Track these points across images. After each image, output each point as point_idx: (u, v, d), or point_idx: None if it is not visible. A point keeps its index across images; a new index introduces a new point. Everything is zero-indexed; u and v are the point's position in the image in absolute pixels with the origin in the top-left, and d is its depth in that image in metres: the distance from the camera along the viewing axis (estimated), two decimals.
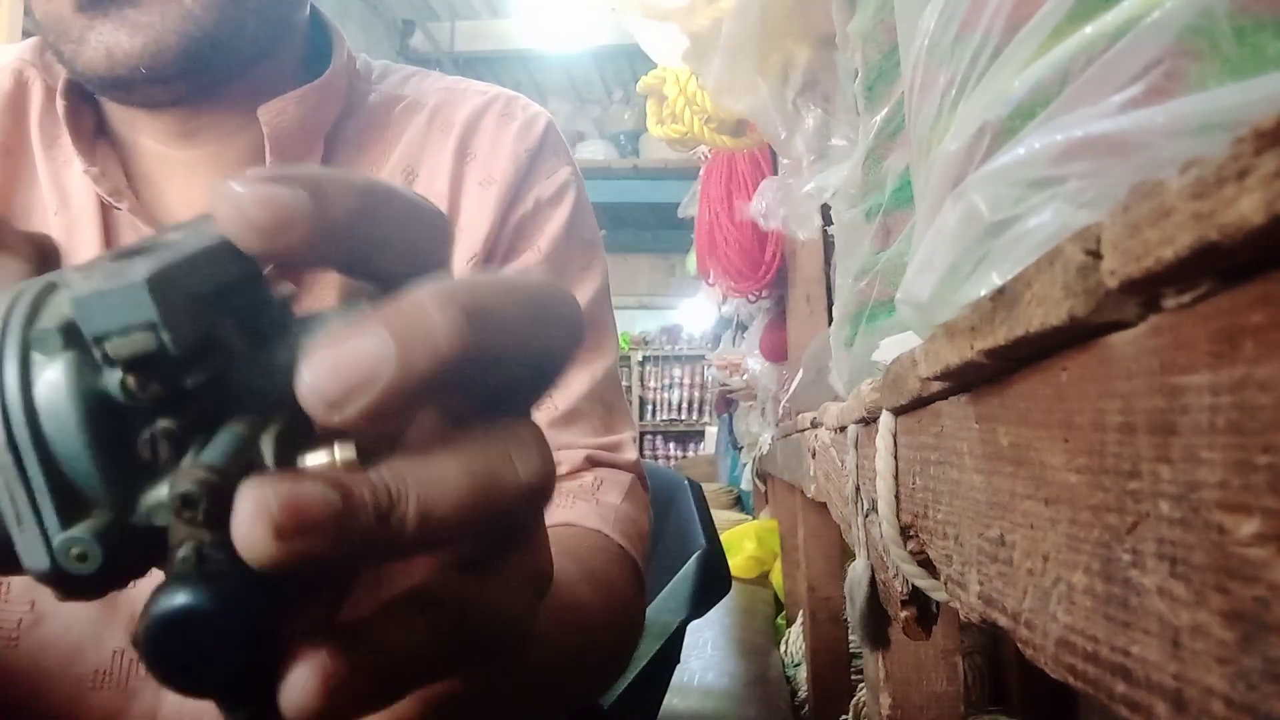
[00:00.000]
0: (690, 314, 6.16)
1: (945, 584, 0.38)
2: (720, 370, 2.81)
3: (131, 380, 0.21)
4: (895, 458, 0.46)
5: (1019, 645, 0.28)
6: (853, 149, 0.87)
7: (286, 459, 0.23)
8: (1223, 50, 0.26)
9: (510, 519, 0.24)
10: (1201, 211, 0.15)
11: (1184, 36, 0.27)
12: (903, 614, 0.48)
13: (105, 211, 0.58)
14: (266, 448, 0.22)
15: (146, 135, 0.60)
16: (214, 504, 0.20)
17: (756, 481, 2.74)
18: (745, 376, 2.45)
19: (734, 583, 1.36)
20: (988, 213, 0.32)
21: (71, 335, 0.22)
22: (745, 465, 2.81)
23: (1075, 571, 0.23)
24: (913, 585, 0.45)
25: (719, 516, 1.81)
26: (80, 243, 0.57)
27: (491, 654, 0.25)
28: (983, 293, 0.28)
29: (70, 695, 0.54)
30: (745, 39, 1.01)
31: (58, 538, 0.22)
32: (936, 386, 0.34)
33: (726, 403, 3.71)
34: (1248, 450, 0.16)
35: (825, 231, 1.65)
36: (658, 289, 6.68)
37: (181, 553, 0.20)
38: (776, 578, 2.37)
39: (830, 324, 0.84)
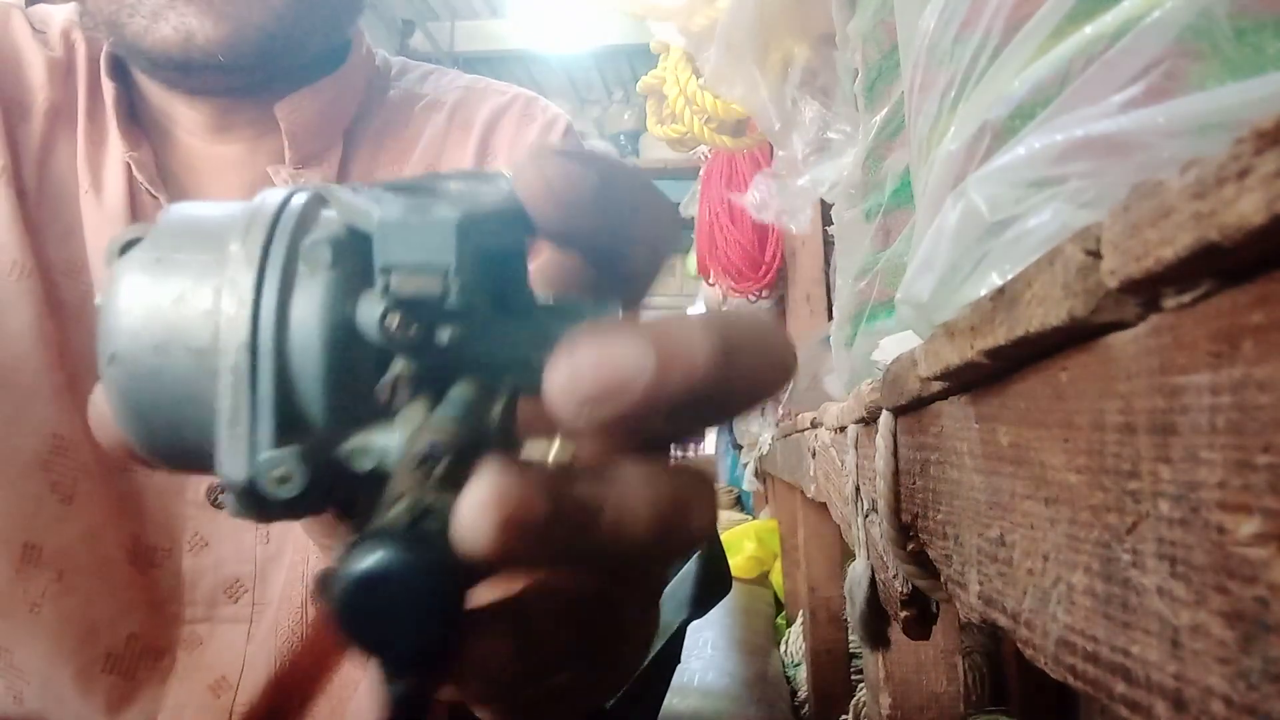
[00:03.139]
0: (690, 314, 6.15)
1: (945, 584, 0.38)
2: None
3: (394, 319, 0.21)
4: (895, 458, 0.46)
5: (1019, 645, 0.28)
6: (849, 142, 0.87)
7: (508, 437, 0.22)
8: (1223, 50, 0.26)
9: (672, 560, 0.23)
10: (1201, 211, 0.15)
11: (1184, 36, 0.27)
12: (903, 614, 0.48)
13: (133, 199, 0.58)
14: (493, 419, 0.21)
15: (181, 127, 0.60)
16: (451, 468, 0.19)
17: (756, 481, 2.74)
18: None
19: (734, 583, 1.36)
20: (988, 213, 0.32)
21: (340, 254, 0.21)
22: (745, 465, 2.80)
23: (1075, 571, 0.23)
24: (913, 585, 0.45)
25: (719, 516, 1.81)
26: (105, 224, 0.57)
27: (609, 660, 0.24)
28: (983, 293, 0.28)
29: (80, 674, 0.54)
30: (744, 38, 1.01)
31: (265, 454, 0.21)
32: (936, 386, 0.34)
33: None
34: (1248, 450, 0.16)
35: (825, 231, 1.65)
36: (658, 289, 6.67)
37: (399, 507, 0.19)
38: (776, 578, 2.37)
39: (830, 324, 0.84)
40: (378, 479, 0.21)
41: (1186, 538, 0.18)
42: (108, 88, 0.59)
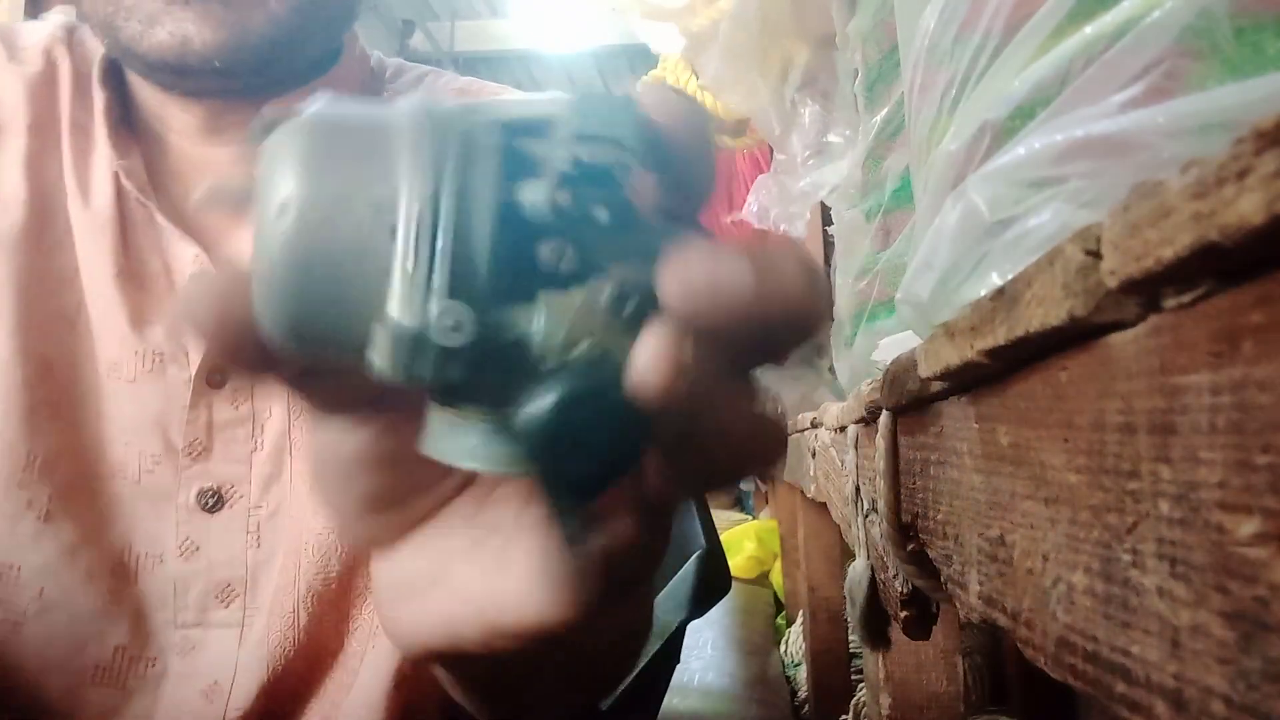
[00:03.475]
0: None
1: (945, 584, 0.38)
2: None
3: (563, 194, 0.22)
4: (895, 458, 0.46)
5: (1019, 645, 0.28)
6: (849, 145, 0.87)
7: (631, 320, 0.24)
8: (1223, 50, 0.26)
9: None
10: (1201, 211, 0.15)
11: (1184, 36, 0.27)
12: (903, 614, 0.48)
13: (122, 207, 0.58)
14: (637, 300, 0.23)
15: (173, 130, 0.60)
16: (636, 311, 0.22)
17: (756, 481, 2.74)
18: None
19: (734, 583, 1.36)
20: (988, 213, 0.32)
21: (509, 135, 0.23)
22: None
23: (1075, 571, 0.23)
24: (913, 585, 0.45)
25: (719, 516, 1.81)
26: (95, 231, 0.57)
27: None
28: (983, 293, 0.28)
29: (69, 688, 0.54)
30: (744, 38, 1.01)
31: (441, 301, 0.22)
32: (936, 386, 0.34)
33: None
34: (1248, 450, 0.16)
35: (825, 231, 1.65)
36: None
37: (586, 345, 0.22)
38: (776, 578, 2.37)
39: (830, 324, 0.84)
40: (515, 355, 0.23)
41: (1186, 538, 0.18)
42: (98, 96, 0.59)
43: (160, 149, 0.61)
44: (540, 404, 0.21)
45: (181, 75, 0.54)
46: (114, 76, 0.60)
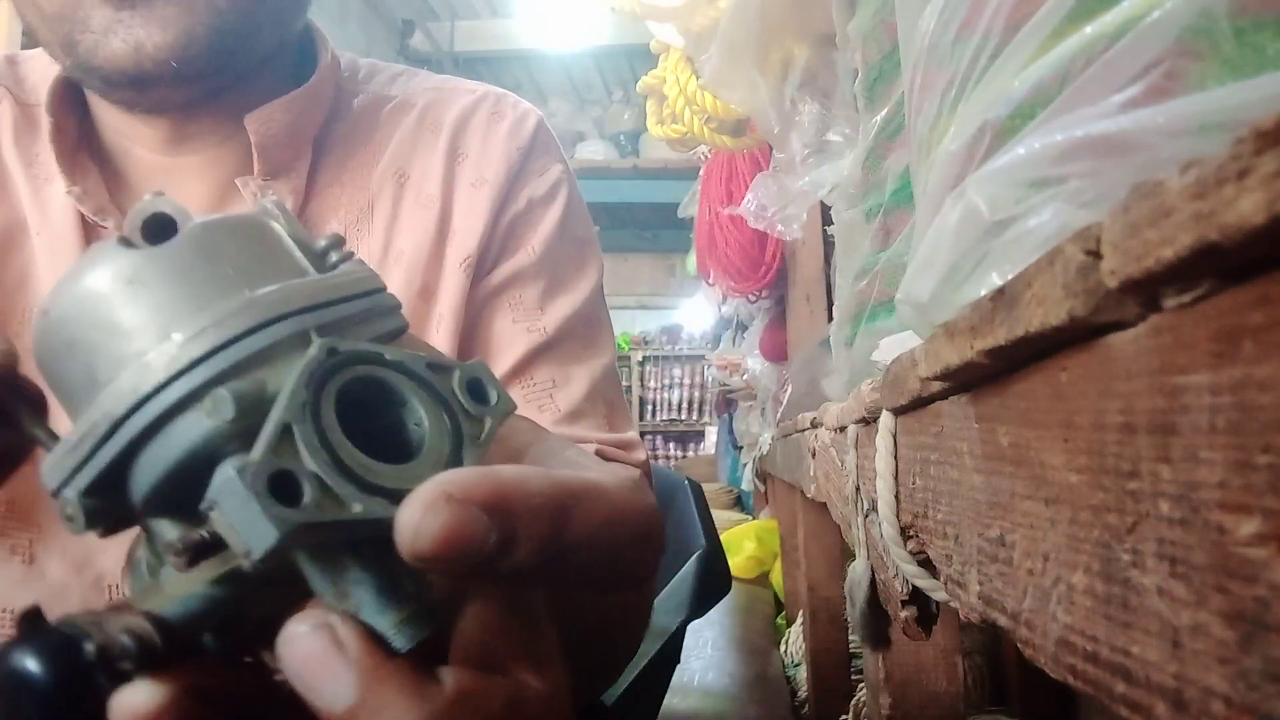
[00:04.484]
0: (690, 314, 6.16)
1: (945, 584, 0.38)
2: (720, 370, 2.80)
3: (189, 540, 0.24)
4: (895, 458, 0.46)
5: (1019, 645, 0.28)
6: (848, 145, 0.87)
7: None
8: (1223, 50, 0.26)
9: None
10: (1201, 211, 0.15)
11: (1184, 36, 0.27)
12: (903, 614, 0.48)
13: (87, 229, 0.58)
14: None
15: (138, 143, 0.60)
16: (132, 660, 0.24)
17: (756, 481, 2.74)
18: (745, 376, 2.45)
19: (734, 583, 1.36)
20: (988, 213, 0.32)
21: (241, 412, 0.24)
22: (745, 465, 2.81)
23: (1075, 571, 0.23)
24: (913, 585, 0.45)
25: (719, 516, 1.81)
26: (61, 261, 0.57)
27: None
28: (983, 293, 0.28)
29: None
30: (744, 38, 1.01)
31: (69, 492, 0.24)
32: (936, 386, 0.34)
33: (726, 403, 3.71)
34: (1248, 450, 0.16)
35: (825, 231, 1.65)
36: (658, 289, 6.68)
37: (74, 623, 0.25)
38: (776, 578, 2.36)
39: (830, 324, 0.84)
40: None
41: (1186, 538, 0.18)
42: (46, 122, 0.59)
43: (125, 163, 0.61)
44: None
45: (140, 87, 0.54)
46: (69, 101, 0.60)
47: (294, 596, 0.26)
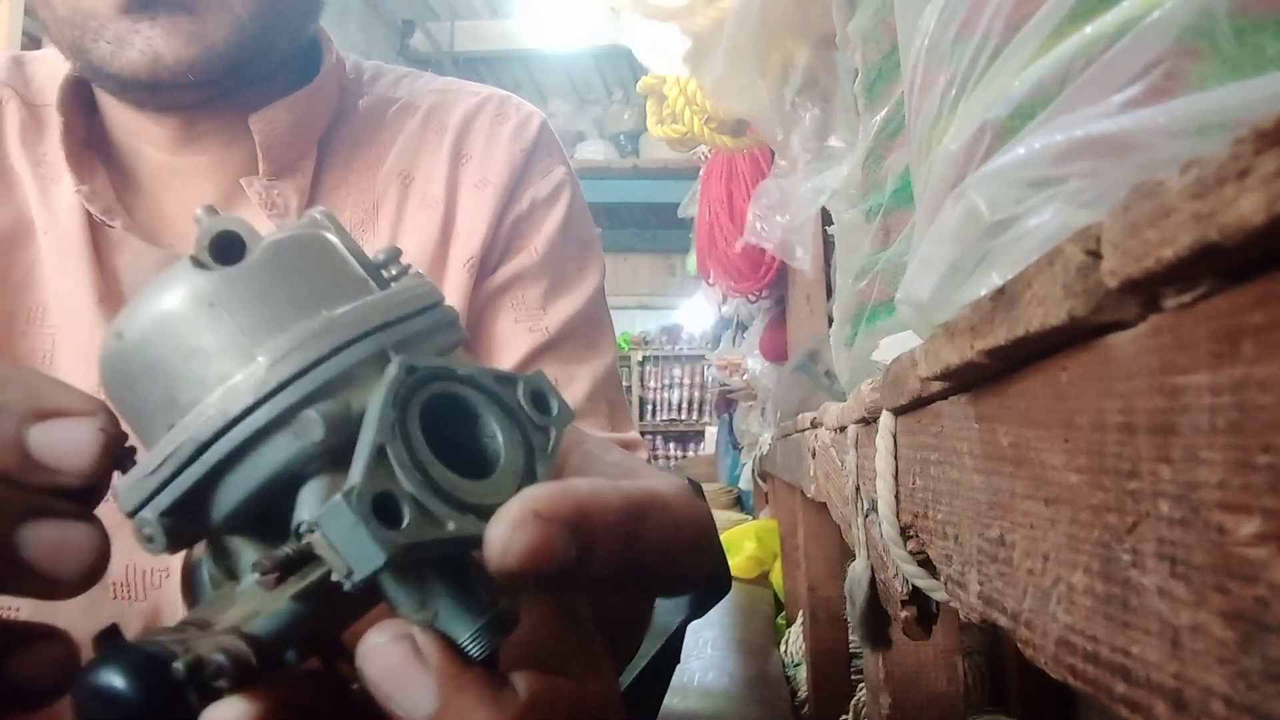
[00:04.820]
0: (690, 314, 6.16)
1: (945, 584, 0.38)
2: (720, 370, 2.80)
3: (280, 558, 0.25)
4: (895, 458, 0.46)
5: (1019, 645, 0.28)
6: (850, 149, 0.87)
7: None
8: (1223, 50, 0.26)
9: None
10: (1201, 211, 0.15)
11: (1184, 36, 0.27)
12: (903, 614, 0.48)
13: (94, 228, 0.58)
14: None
15: (147, 142, 0.60)
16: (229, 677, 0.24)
17: (757, 481, 2.74)
18: (745, 376, 2.45)
19: (734, 583, 1.36)
20: (988, 213, 0.32)
21: (330, 432, 0.24)
22: (745, 465, 2.81)
23: (1075, 571, 0.23)
24: (913, 585, 0.45)
25: (719, 516, 1.81)
26: (68, 260, 0.57)
27: None
28: (983, 293, 0.28)
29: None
30: (745, 39, 1.01)
31: (147, 514, 0.25)
32: (936, 386, 0.34)
33: (726, 403, 3.71)
34: (1248, 450, 0.16)
35: (825, 231, 1.65)
36: (658, 289, 6.68)
37: (177, 637, 0.24)
38: (776, 578, 2.36)
39: (830, 324, 0.84)
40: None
41: (1186, 538, 0.18)
42: (55, 122, 0.59)
43: (133, 162, 0.61)
44: (86, 678, 0.23)
45: (154, 91, 0.54)
46: (79, 100, 0.60)
47: (368, 608, 0.26)
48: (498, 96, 0.70)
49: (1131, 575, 0.20)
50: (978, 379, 0.31)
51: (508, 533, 0.23)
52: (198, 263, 0.25)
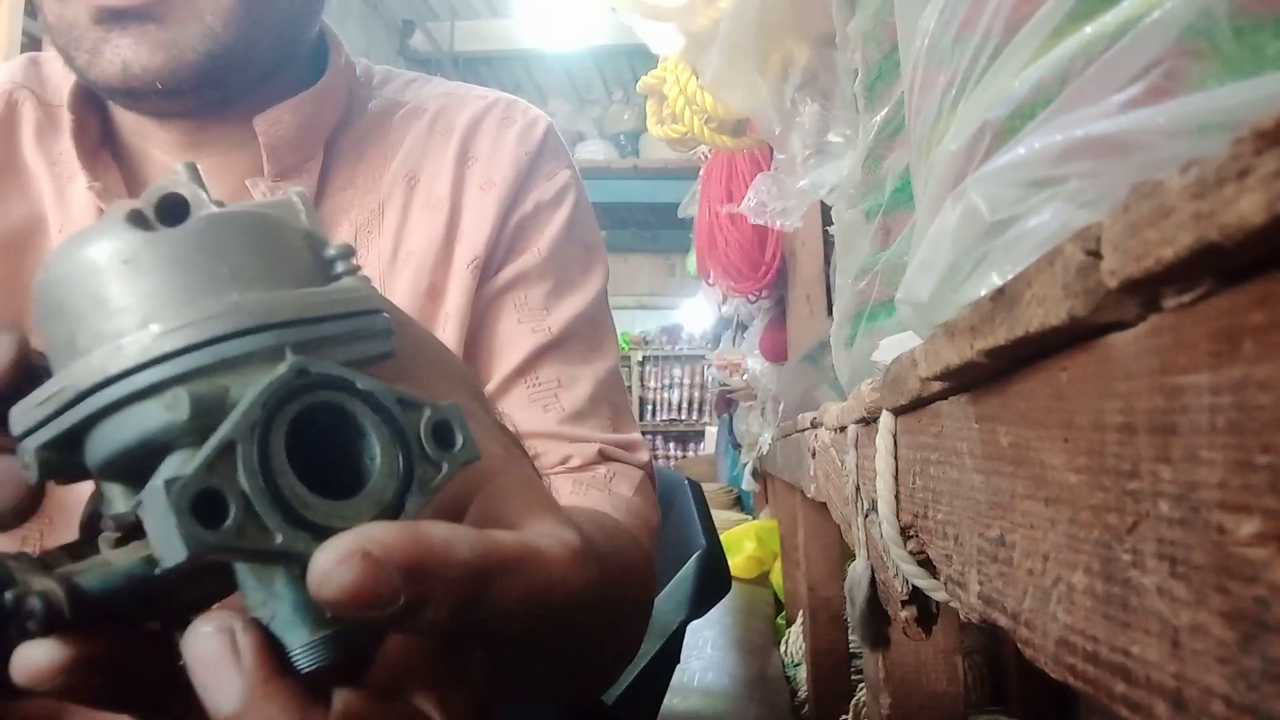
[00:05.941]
0: (690, 314, 6.16)
1: (945, 584, 0.38)
2: (720, 370, 2.81)
3: (120, 516, 0.26)
4: (895, 458, 0.46)
5: (1019, 645, 0.28)
6: (849, 145, 0.87)
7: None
8: (1223, 50, 0.26)
9: None
10: (1201, 211, 0.15)
11: (1184, 36, 0.27)
12: (903, 614, 0.48)
13: None
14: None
15: (155, 145, 0.61)
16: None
17: (756, 481, 2.74)
18: (745, 376, 2.45)
19: (734, 583, 1.36)
20: (988, 213, 0.32)
21: (196, 412, 0.24)
22: (745, 465, 2.81)
23: (1075, 571, 0.23)
24: (913, 585, 0.45)
25: (719, 516, 1.81)
26: None
27: None
28: (983, 293, 0.28)
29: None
30: (744, 38, 1.01)
31: (31, 441, 0.25)
32: (936, 386, 0.34)
33: (726, 403, 3.71)
34: (1248, 450, 0.16)
35: (825, 231, 1.65)
36: (658, 289, 6.68)
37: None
38: (776, 578, 2.36)
39: (830, 324, 0.84)
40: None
41: (1186, 538, 0.18)
42: (67, 120, 0.59)
43: (143, 164, 0.61)
44: None
45: (136, 99, 0.55)
46: (90, 100, 0.60)
47: (228, 585, 0.26)
48: (505, 100, 0.70)
49: (1131, 575, 0.20)
50: (978, 379, 0.31)
51: (330, 564, 0.22)
52: (136, 218, 0.26)
